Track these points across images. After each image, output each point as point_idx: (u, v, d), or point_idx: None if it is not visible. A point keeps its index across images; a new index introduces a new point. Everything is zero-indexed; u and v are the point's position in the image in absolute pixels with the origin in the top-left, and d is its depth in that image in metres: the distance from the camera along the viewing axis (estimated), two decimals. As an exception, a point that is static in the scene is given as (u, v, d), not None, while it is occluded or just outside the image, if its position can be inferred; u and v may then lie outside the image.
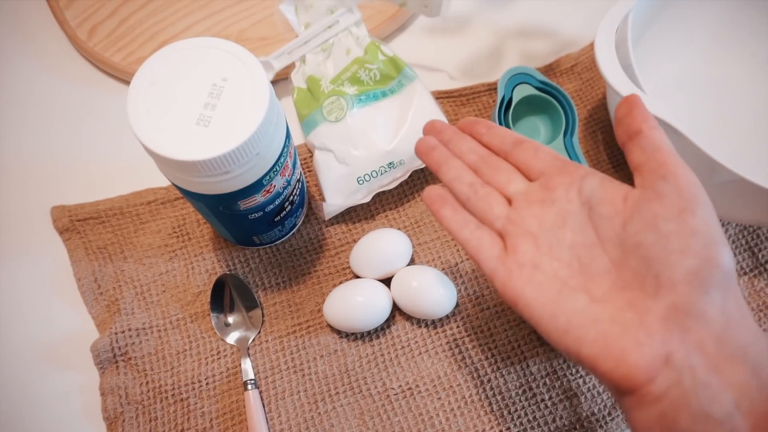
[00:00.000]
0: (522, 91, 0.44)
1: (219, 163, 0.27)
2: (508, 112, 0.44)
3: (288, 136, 0.33)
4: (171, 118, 0.27)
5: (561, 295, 0.25)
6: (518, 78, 0.44)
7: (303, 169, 0.44)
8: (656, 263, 0.23)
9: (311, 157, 0.43)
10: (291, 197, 0.37)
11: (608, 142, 0.47)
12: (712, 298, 0.23)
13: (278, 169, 0.32)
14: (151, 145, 0.27)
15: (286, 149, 0.32)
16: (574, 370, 0.40)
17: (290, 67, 0.45)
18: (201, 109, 0.28)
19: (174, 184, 0.32)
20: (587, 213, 0.27)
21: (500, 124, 0.43)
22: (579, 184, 0.27)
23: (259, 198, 0.33)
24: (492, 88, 0.48)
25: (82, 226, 0.42)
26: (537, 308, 0.26)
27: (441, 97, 0.47)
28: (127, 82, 0.47)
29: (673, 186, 0.24)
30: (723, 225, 0.44)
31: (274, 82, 0.46)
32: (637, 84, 0.37)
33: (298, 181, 0.38)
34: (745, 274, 0.43)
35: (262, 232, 0.38)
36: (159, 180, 0.43)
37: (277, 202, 0.35)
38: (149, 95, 0.28)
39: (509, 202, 0.29)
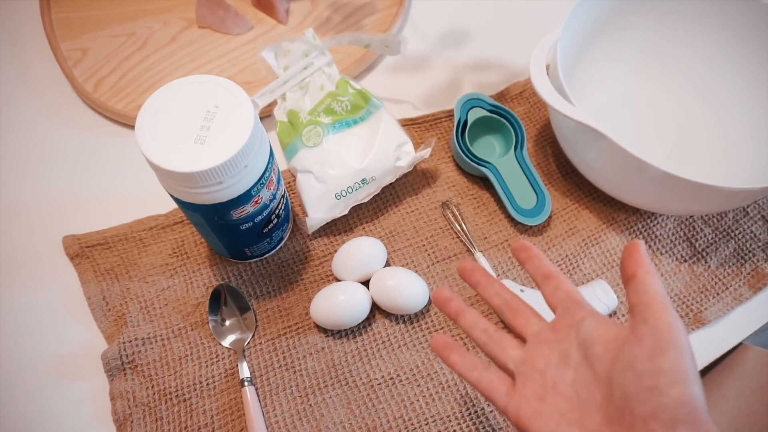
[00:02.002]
0: (475, 114, 0.51)
1: (214, 174, 0.33)
2: (465, 133, 0.50)
3: (271, 154, 0.38)
4: (172, 138, 0.33)
5: (560, 427, 0.28)
6: (471, 102, 0.51)
7: (287, 191, 0.50)
8: (632, 400, 0.25)
9: (294, 180, 0.49)
10: (277, 210, 0.42)
11: (556, 155, 0.54)
12: None
13: (264, 182, 0.38)
14: (157, 161, 0.33)
15: (270, 165, 0.38)
16: (538, 354, 0.44)
17: (272, 105, 0.51)
18: (198, 131, 0.33)
19: (175, 199, 0.37)
20: (583, 353, 0.29)
21: (458, 143, 0.49)
22: (577, 325, 0.30)
23: (249, 208, 0.38)
24: (451, 114, 0.54)
25: (90, 252, 0.47)
26: None
27: (407, 124, 0.54)
28: (129, 126, 0.53)
29: (652, 328, 0.26)
30: (662, 219, 0.50)
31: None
32: (568, 100, 0.43)
33: (283, 197, 0.43)
34: (685, 261, 0.49)
35: (253, 244, 0.44)
36: (159, 208, 0.49)
37: (264, 214, 0.41)
38: (154, 122, 0.34)
39: (524, 341, 0.32)
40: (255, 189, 0.37)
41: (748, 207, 0.51)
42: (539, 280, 0.33)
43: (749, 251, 0.49)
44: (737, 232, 0.50)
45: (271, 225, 0.43)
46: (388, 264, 0.47)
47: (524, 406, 0.29)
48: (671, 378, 0.25)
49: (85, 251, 0.47)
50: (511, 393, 0.30)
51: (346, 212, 0.47)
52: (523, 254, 0.34)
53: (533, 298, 0.44)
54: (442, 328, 0.45)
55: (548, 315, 0.44)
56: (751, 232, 0.50)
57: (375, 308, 0.45)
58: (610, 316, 0.46)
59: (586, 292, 0.45)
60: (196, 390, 0.42)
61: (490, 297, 0.34)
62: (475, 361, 0.32)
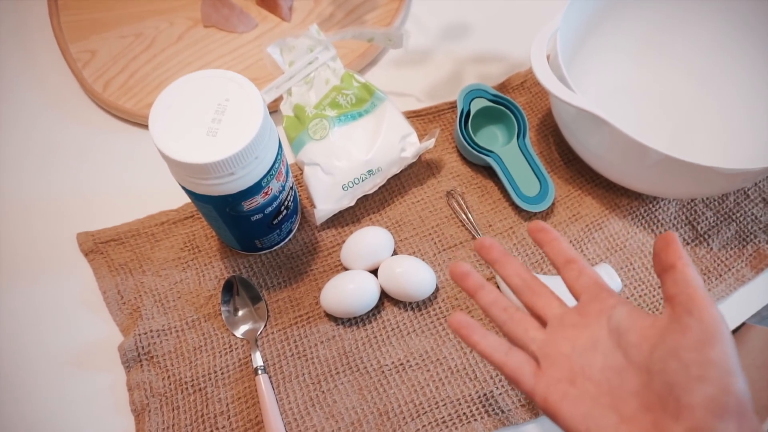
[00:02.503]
0: (478, 104, 0.52)
1: (226, 165, 0.34)
2: (468, 123, 0.51)
3: (280, 146, 0.39)
4: (185, 131, 0.34)
5: (594, 411, 0.27)
6: (474, 93, 0.52)
7: (296, 184, 0.51)
8: (677, 388, 0.25)
9: (302, 174, 0.50)
10: (286, 201, 0.43)
11: (558, 143, 0.54)
12: (728, 425, 0.24)
13: (274, 173, 0.39)
14: (171, 154, 0.34)
15: (279, 157, 0.39)
16: (545, 337, 0.45)
17: (279, 100, 0.52)
18: (209, 123, 0.34)
19: (187, 191, 0.38)
20: (616, 339, 0.28)
21: (461, 133, 0.50)
22: (609, 312, 0.29)
23: (260, 199, 0.39)
24: (453, 105, 0.55)
25: (104, 248, 0.48)
26: (572, 423, 0.28)
27: (411, 116, 0.55)
28: (139, 125, 0.54)
29: (698, 320, 0.26)
30: (664, 203, 0.51)
31: (265, 114, 0.54)
32: (569, 87, 0.44)
33: (291, 188, 0.44)
34: (688, 244, 0.50)
35: (263, 236, 0.44)
36: (169, 203, 0.50)
37: (274, 205, 0.41)
38: (167, 116, 0.35)
39: (543, 324, 0.31)
40: (265, 180, 0.38)
41: (748, 190, 0.52)
42: (560, 264, 0.32)
43: (751, 233, 0.50)
44: (738, 214, 0.50)
45: (281, 216, 0.44)
46: (395, 253, 0.48)
47: (553, 389, 0.29)
48: (720, 369, 0.25)
49: (99, 247, 0.48)
50: (539, 375, 0.29)
51: (353, 203, 0.48)
52: (541, 236, 0.33)
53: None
54: (450, 314, 0.46)
55: (571, 300, 0.44)
56: (753, 214, 0.50)
57: (384, 296, 0.46)
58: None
59: (591, 276, 0.46)
60: (211, 379, 0.43)
61: (509, 276, 0.33)
62: (499, 340, 0.31)
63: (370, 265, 0.46)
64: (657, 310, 0.46)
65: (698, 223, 0.50)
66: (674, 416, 0.25)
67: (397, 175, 0.51)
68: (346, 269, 0.47)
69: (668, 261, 0.28)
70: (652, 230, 0.50)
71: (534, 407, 0.43)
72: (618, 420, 0.27)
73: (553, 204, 0.51)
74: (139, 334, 0.44)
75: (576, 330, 0.30)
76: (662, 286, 0.29)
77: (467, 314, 0.33)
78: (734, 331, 0.47)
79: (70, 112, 0.55)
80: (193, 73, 0.36)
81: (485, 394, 0.43)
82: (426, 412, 0.42)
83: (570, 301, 0.46)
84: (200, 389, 0.43)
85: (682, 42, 0.56)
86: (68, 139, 0.54)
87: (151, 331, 0.44)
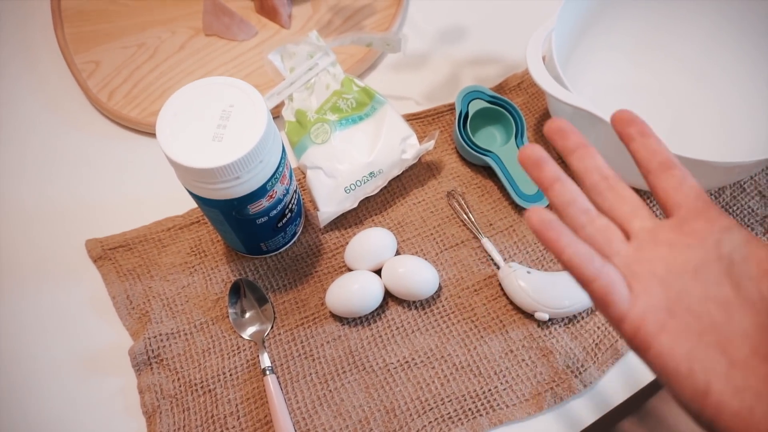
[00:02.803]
0: (476, 105, 0.53)
1: (232, 169, 0.35)
2: (467, 124, 0.52)
3: (283, 150, 0.40)
4: (192, 137, 0.35)
5: (697, 351, 0.23)
6: (472, 95, 0.53)
7: (299, 187, 0.52)
8: None
9: (305, 177, 0.51)
10: (290, 204, 0.44)
11: (556, 142, 0.55)
12: None
13: (278, 176, 0.39)
14: (178, 159, 0.34)
15: (283, 161, 0.40)
16: (548, 332, 0.46)
17: (280, 106, 0.53)
18: (215, 129, 0.35)
19: (194, 196, 0.39)
20: (725, 268, 0.24)
21: (460, 134, 0.51)
22: (719, 235, 0.25)
23: (265, 203, 0.40)
24: (452, 108, 0.56)
25: (113, 254, 0.49)
26: (671, 360, 0.23)
27: (410, 119, 0.56)
28: (144, 133, 0.55)
29: None
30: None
31: (267, 120, 0.55)
32: (565, 87, 0.45)
33: (295, 192, 0.45)
34: (686, 238, 0.50)
35: (268, 239, 0.45)
36: (176, 209, 0.51)
37: (279, 208, 0.42)
38: (173, 123, 0.36)
39: (627, 237, 0.26)
40: (270, 183, 0.39)
41: (744, 183, 0.52)
42: (654, 167, 0.26)
43: (747, 225, 0.50)
44: (735, 207, 0.51)
45: (285, 219, 0.45)
46: (398, 253, 0.49)
47: (651, 317, 0.23)
48: None
49: (107, 253, 0.49)
50: (632, 300, 0.24)
51: (355, 205, 0.49)
52: (632, 129, 0.27)
53: (545, 280, 0.46)
54: (453, 312, 0.47)
55: (572, 295, 0.45)
56: (749, 207, 0.51)
57: (388, 296, 0.47)
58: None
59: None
60: (220, 381, 0.44)
61: (588, 171, 0.27)
62: (590, 249, 0.24)
63: (373, 266, 0.47)
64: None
65: (696, 218, 0.51)
66: None
67: (398, 176, 0.52)
68: (350, 270, 0.48)
69: None
70: (651, 225, 0.51)
71: (539, 401, 0.43)
72: (727, 364, 0.22)
73: (552, 202, 0.51)
74: (149, 338, 0.45)
75: (672, 250, 0.25)
76: None
77: (549, 212, 0.25)
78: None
79: (76, 121, 0.56)
80: (197, 80, 0.37)
81: (489, 390, 0.44)
82: (432, 408, 0.43)
83: (580, 296, 0.43)
84: (210, 390, 0.44)
85: (677, 38, 0.57)
86: (75, 148, 0.55)
87: (160, 334, 0.45)
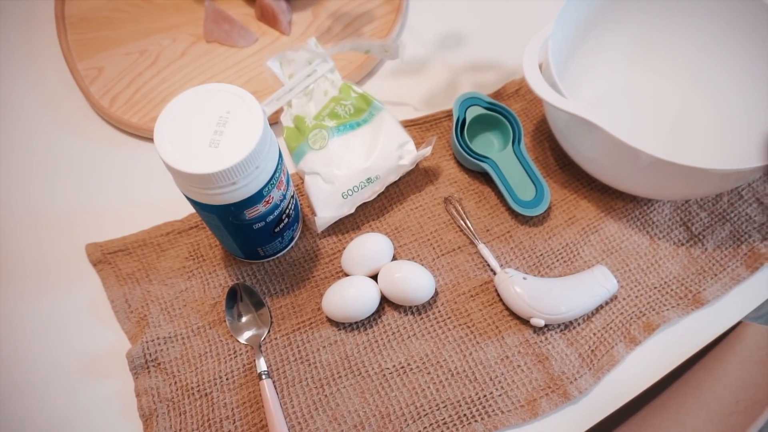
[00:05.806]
0: (473, 112, 0.53)
1: (228, 175, 0.35)
2: (464, 131, 0.52)
3: (280, 156, 0.41)
4: (189, 143, 0.36)
5: None
6: (469, 101, 0.53)
7: (296, 193, 0.52)
8: None
9: (303, 182, 0.51)
10: (287, 210, 0.44)
11: (553, 148, 0.55)
12: None
13: (274, 182, 0.40)
14: (175, 165, 0.35)
15: (279, 166, 0.40)
16: (543, 339, 0.46)
17: (279, 112, 0.53)
18: (212, 135, 0.36)
19: (192, 201, 0.39)
20: None
21: (458, 141, 0.52)
22: None
23: (261, 208, 0.40)
24: (450, 114, 0.57)
25: (112, 258, 0.49)
26: None
27: (408, 125, 0.56)
28: (144, 138, 0.56)
29: None
30: (659, 205, 0.52)
31: (266, 126, 0.55)
32: (561, 94, 0.45)
33: (292, 197, 0.45)
34: (683, 245, 0.50)
35: (265, 243, 0.46)
36: (174, 214, 0.51)
37: (276, 213, 0.43)
38: (171, 129, 0.36)
39: None
40: (266, 189, 0.39)
41: (742, 190, 0.52)
42: None
43: (745, 232, 0.50)
44: (732, 214, 0.51)
45: (282, 224, 0.45)
46: (395, 258, 0.49)
47: None
48: None
49: (107, 257, 0.49)
50: None
51: (352, 210, 0.49)
52: None
53: (541, 286, 0.46)
54: (449, 317, 0.47)
55: (568, 302, 0.45)
56: (747, 214, 0.51)
57: (384, 301, 0.47)
58: (610, 300, 0.47)
59: (588, 277, 0.47)
60: (216, 385, 0.44)
61: None
62: None
63: (370, 271, 0.47)
64: (653, 311, 0.47)
65: (693, 224, 0.51)
66: None
67: (395, 182, 0.52)
68: (346, 275, 0.48)
69: None
70: (647, 232, 0.51)
71: (534, 407, 0.43)
72: None
73: (549, 208, 0.52)
74: (147, 342, 0.45)
75: None
76: None
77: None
78: (731, 329, 0.47)
79: (78, 127, 0.57)
80: (196, 87, 0.38)
81: (485, 396, 0.44)
82: (427, 414, 0.43)
83: (576, 303, 0.43)
84: (206, 394, 0.44)
85: (673, 44, 0.57)
86: (76, 153, 0.55)
87: (158, 338, 0.46)
